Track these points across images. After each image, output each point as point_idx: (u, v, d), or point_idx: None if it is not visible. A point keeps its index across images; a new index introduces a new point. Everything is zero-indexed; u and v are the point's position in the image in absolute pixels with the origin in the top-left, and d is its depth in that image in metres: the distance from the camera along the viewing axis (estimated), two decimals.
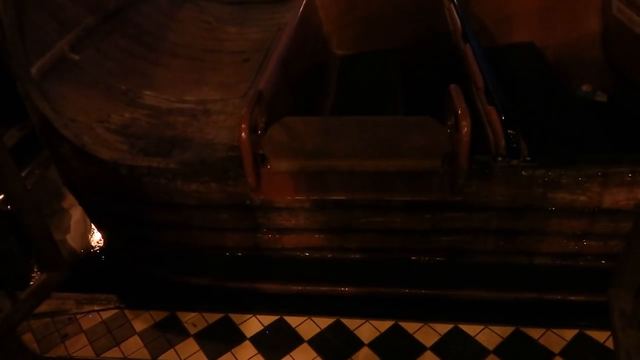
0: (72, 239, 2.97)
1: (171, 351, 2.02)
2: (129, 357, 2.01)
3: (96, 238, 2.83)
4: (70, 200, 2.87)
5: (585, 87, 3.64)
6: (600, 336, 1.91)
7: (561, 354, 1.88)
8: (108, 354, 2.03)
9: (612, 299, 1.30)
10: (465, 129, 1.80)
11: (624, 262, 1.27)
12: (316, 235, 2.20)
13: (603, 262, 2.06)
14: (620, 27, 3.31)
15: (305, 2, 3.55)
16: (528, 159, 1.94)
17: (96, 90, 2.69)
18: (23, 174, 3.47)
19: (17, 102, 2.57)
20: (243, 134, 1.94)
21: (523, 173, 1.93)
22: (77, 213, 3.01)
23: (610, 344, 1.85)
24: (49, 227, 1.59)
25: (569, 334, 1.94)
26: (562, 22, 3.66)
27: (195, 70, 3.17)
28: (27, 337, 2.06)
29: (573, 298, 2.13)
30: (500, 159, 1.96)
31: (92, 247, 2.86)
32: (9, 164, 1.53)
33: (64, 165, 2.55)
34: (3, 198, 3.02)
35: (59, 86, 2.53)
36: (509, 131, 1.96)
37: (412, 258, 2.21)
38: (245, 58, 3.27)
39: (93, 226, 2.92)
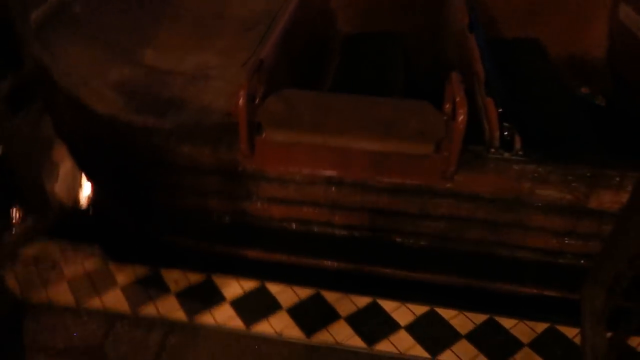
0: (60, 190, 2.95)
1: (151, 305, 2.04)
2: (109, 307, 2.03)
3: (85, 191, 2.82)
4: (60, 152, 2.84)
5: (584, 90, 3.66)
6: (570, 332, 1.96)
7: (530, 344, 1.93)
8: (88, 304, 2.05)
9: (585, 297, 1.34)
10: (461, 117, 1.81)
11: (599, 262, 1.30)
12: (304, 209, 2.22)
13: (582, 261, 2.11)
14: (626, 32, 3.32)
15: None
16: (520, 153, 1.96)
17: (96, 43, 2.66)
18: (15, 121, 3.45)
19: (13, 50, 2.53)
20: (241, 100, 1.94)
21: (514, 167, 1.95)
22: (66, 165, 2.98)
23: (578, 340, 1.90)
24: (38, 171, 1.59)
25: (541, 327, 1.99)
26: (569, 23, 3.65)
27: (197, 34, 3.14)
28: (10, 280, 2.06)
29: (548, 293, 2.18)
30: (493, 150, 1.98)
31: (80, 200, 2.86)
32: (2, 108, 1.52)
33: (58, 116, 2.53)
34: None
35: (58, 36, 2.50)
36: (504, 124, 1.98)
37: (397, 240, 2.24)
38: (248, 27, 3.23)
39: (82, 180, 2.91)
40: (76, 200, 2.91)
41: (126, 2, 3.01)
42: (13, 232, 1.51)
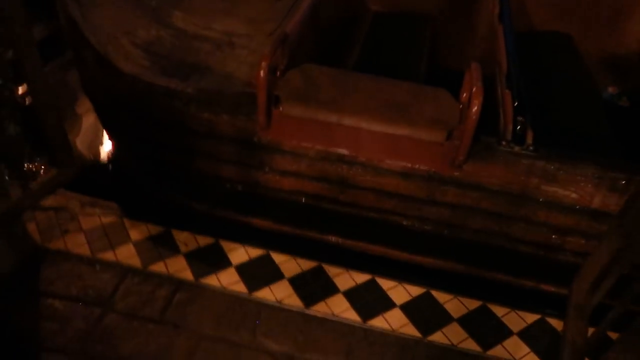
0: (81, 144, 3.06)
1: (161, 263, 2.15)
2: (122, 261, 2.14)
3: (105, 147, 2.92)
4: (84, 106, 2.94)
5: (611, 89, 3.61)
6: (559, 325, 2.01)
7: (519, 333, 2.00)
8: (102, 255, 2.16)
9: (572, 292, 1.39)
10: (475, 108, 1.84)
11: (588, 261, 1.35)
12: (314, 183, 2.27)
13: (581, 260, 2.14)
14: None
15: None
16: (531, 148, 1.98)
17: (127, 1, 2.71)
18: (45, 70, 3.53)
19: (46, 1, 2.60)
20: (262, 72, 1.98)
21: (523, 161, 1.98)
22: (89, 119, 3.08)
23: None
24: (63, 123, 1.67)
25: (531, 317, 2.05)
26: (604, 19, 3.57)
27: (227, 0, 3.16)
28: (31, 227, 2.18)
29: (544, 287, 2.22)
30: (504, 143, 2.00)
31: (100, 156, 2.96)
32: (34, 57, 1.58)
33: (85, 70, 2.60)
34: (23, 91, 3.11)
35: None
36: (518, 118, 2.00)
37: (401, 222, 2.29)
38: None
39: (104, 135, 3.01)
40: (96, 155, 3.01)
41: None
42: (37, 182, 1.59)
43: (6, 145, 1.72)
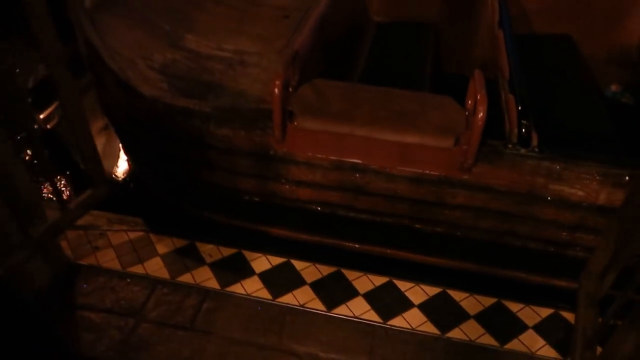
0: (105, 163, 3.19)
1: (188, 274, 2.26)
2: (151, 274, 2.26)
3: (120, 166, 3.05)
4: (97, 127, 3.05)
5: (614, 87, 3.67)
6: (573, 318, 2.08)
7: (534, 327, 2.08)
8: (132, 269, 2.28)
9: (582, 281, 1.48)
10: (481, 114, 1.93)
11: (595, 253, 1.43)
12: (329, 192, 2.37)
13: (589, 254, 2.21)
14: None
15: None
16: (536, 150, 2.07)
17: (142, 27, 2.84)
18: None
19: (62, 26, 2.73)
20: (276, 90, 2.09)
21: (529, 162, 2.06)
22: (101, 140, 3.20)
23: None
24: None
25: (545, 311, 2.13)
26: (602, 19, 3.64)
27: (236, 19, 3.28)
28: (63, 245, 2.31)
29: (556, 282, 2.30)
30: (510, 146, 2.09)
31: (116, 174, 3.09)
32: (66, 76, 1.69)
33: (105, 94, 2.73)
34: (46, 116, 3.24)
35: (108, 19, 2.68)
36: (522, 121, 2.09)
37: (414, 225, 2.38)
38: (285, 14, 3.37)
39: (118, 154, 3.13)
40: (111, 174, 3.14)
41: None
42: (75, 202, 1.71)
43: (41, 167, 1.84)
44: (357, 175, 2.28)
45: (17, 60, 3.63)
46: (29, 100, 3.22)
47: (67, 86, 1.68)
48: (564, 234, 2.20)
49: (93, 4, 2.63)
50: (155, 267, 2.28)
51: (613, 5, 3.58)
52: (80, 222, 2.34)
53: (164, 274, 2.25)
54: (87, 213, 2.28)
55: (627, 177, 1.97)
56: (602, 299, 1.38)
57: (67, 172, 2.96)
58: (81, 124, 1.73)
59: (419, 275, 2.27)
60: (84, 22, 2.55)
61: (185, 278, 2.24)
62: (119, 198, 2.78)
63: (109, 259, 2.30)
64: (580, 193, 2.07)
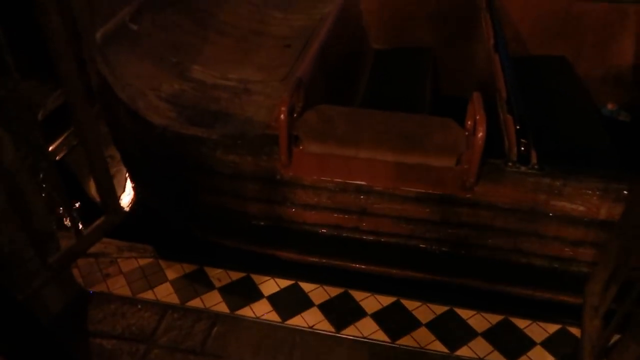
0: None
1: (197, 299, 2.28)
2: (161, 299, 2.28)
3: (127, 195, 3.10)
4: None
5: (610, 106, 3.74)
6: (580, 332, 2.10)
7: (542, 343, 2.09)
8: (143, 295, 2.31)
9: (587, 295, 1.51)
10: (480, 134, 1.99)
11: (597, 266, 1.47)
12: (335, 215, 2.42)
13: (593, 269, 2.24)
14: None
15: None
16: (536, 167, 2.12)
17: (150, 59, 2.94)
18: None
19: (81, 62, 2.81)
20: (282, 116, 2.16)
21: (530, 179, 2.11)
22: (118, 170, 3.28)
23: None
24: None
25: (553, 327, 2.14)
26: (596, 40, 3.74)
27: (240, 49, 3.39)
28: (75, 272, 2.34)
29: (562, 298, 2.32)
30: (510, 164, 2.15)
31: (125, 204, 3.14)
32: (86, 107, 1.75)
33: (116, 125, 2.82)
34: (54, 148, 3.31)
35: (118, 52, 2.78)
36: (521, 140, 2.15)
37: (420, 245, 2.42)
38: (287, 43, 3.48)
39: (125, 183, 3.19)
40: (128, 205, 3.19)
41: (177, 19, 3.30)
42: (89, 229, 1.76)
43: (55, 194, 1.90)
44: (362, 196, 2.33)
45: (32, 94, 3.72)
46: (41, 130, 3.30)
47: (86, 115, 1.75)
48: (568, 249, 2.23)
49: (104, 38, 2.73)
50: (166, 293, 2.31)
51: (604, 27, 3.68)
52: (90, 250, 2.38)
53: (174, 299, 2.28)
54: (99, 241, 2.32)
55: (626, 192, 2.02)
56: (606, 313, 1.41)
57: (76, 203, 3.02)
58: (97, 152, 1.80)
59: (426, 294, 2.30)
60: (96, 56, 2.65)
61: (195, 303, 2.27)
62: (128, 226, 2.83)
63: (119, 286, 2.33)
64: (581, 208, 2.11)
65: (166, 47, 3.08)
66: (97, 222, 1.83)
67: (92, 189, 3.23)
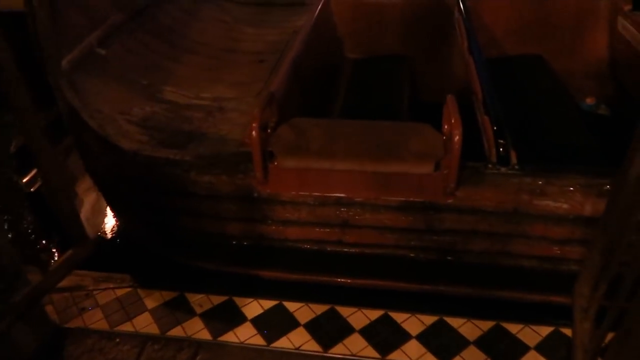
0: (91, 220, 3.16)
1: (179, 327, 2.20)
2: (140, 331, 2.19)
3: (108, 223, 3.02)
4: (83, 186, 3.06)
5: (589, 100, 3.73)
6: None
7: (536, 347, 2.02)
8: (121, 327, 2.21)
9: (575, 296, 1.45)
10: (457, 138, 1.95)
11: (585, 265, 1.41)
12: (317, 229, 2.36)
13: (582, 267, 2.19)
14: (625, 44, 3.41)
15: (321, 6, 3.71)
16: (516, 167, 2.08)
17: (120, 83, 2.88)
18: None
19: (42, 91, 2.76)
20: (254, 132, 2.11)
21: (511, 180, 2.07)
22: (89, 199, 3.19)
23: None
24: (74, 202, 1.77)
25: (545, 330, 2.08)
26: (570, 37, 3.76)
27: (212, 68, 3.35)
28: (49, 309, 2.25)
29: (553, 299, 2.26)
30: (490, 166, 2.10)
31: (104, 231, 3.06)
32: (44, 143, 1.70)
33: (87, 153, 2.74)
34: (28, 180, 3.23)
35: (86, 79, 2.72)
36: (499, 141, 2.11)
37: (405, 254, 2.36)
38: (260, 59, 3.44)
39: (106, 212, 3.11)
40: (100, 231, 3.11)
41: (148, 41, 3.25)
42: (55, 264, 1.68)
43: (20, 231, 1.82)
44: (343, 209, 2.28)
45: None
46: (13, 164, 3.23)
47: (45, 152, 1.69)
48: (555, 248, 2.19)
49: (70, 65, 2.67)
50: (145, 323, 2.22)
51: (577, 23, 3.70)
52: (65, 283, 2.30)
53: (154, 329, 2.19)
54: (72, 273, 2.24)
55: (608, 186, 1.98)
56: (597, 313, 1.36)
57: (54, 233, 2.93)
58: (60, 186, 1.73)
59: (414, 304, 2.23)
60: (61, 84, 2.58)
61: (176, 331, 2.18)
62: (107, 254, 2.75)
63: (96, 320, 2.24)
64: (565, 206, 2.07)
65: (136, 69, 3.02)
66: (64, 256, 1.75)
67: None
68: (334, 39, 4.04)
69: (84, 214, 3.23)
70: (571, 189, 2.03)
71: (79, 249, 1.74)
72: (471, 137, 2.15)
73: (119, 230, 2.97)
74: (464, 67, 2.99)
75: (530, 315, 2.16)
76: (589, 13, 3.65)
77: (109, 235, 3.09)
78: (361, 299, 2.28)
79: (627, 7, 3.40)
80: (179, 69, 3.22)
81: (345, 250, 2.37)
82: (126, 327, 2.21)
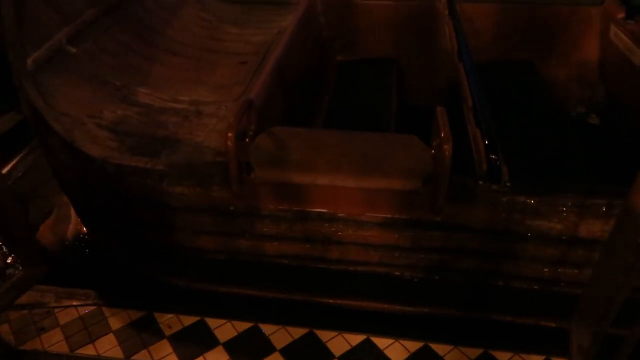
0: (57, 227, 3.00)
1: (144, 352, 2.04)
2: (102, 354, 2.04)
3: (76, 231, 2.85)
4: (56, 190, 2.90)
5: (579, 109, 3.68)
6: None
7: None
8: (82, 351, 2.05)
9: (573, 334, 1.33)
10: (447, 153, 1.82)
11: (585, 300, 1.29)
12: (297, 245, 2.22)
13: (577, 290, 2.09)
14: (616, 52, 3.34)
15: (307, 6, 3.56)
16: (508, 184, 1.96)
17: (91, 84, 2.71)
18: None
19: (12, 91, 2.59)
20: (229, 142, 1.96)
21: (502, 198, 1.95)
22: (62, 202, 3.03)
23: None
24: (28, 224, 1.62)
25: (537, 359, 1.97)
26: (561, 44, 3.68)
27: (192, 69, 3.19)
28: (4, 329, 2.09)
29: (544, 323, 2.16)
30: (481, 183, 1.98)
31: (77, 238, 2.89)
32: None
33: (53, 158, 2.57)
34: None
35: (53, 79, 2.55)
36: (491, 156, 1.99)
37: (390, 272, 2.23)
38: (243, 60, 3.29)
39: (75, 218, 2.94)
40: (73, 237, 2.94)
41: (124, 39, 3.08)
42: (5, 285, 1.53)
43: None
44: (325, 224, 2.15)
45: None
46: None
47: None
48: (547, 270, 2.08)
49: (37, 64, 2.50)
50: (108, 346, 2.06)
51: (568, 30, 3.62)
52: (24, 300, 2.14)
53: (117, 353, 2.03)
54: (32, 289, 2.07)
55: (604, 208, 1.87)
56: (602, 341, 1.23)
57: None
58: (9, 205, 1.57)
59: (398, 329, 2.11)
60: (26, 84, 2.41)
61: (142, 356, 2.03)
62: (71, 267, 2.59)
63: (55, 341, 2.08)
64: (558, 226, 1.97)
65: (109, 69, 2.86)
66: (14, 278, 1.60)
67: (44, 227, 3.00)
68: (320, 40, 3.90)
69: (58, 216, 3.07)
70: (565, 209, 1.92)
71: (32, 270, 1.59)
72: (460, 145, 2.03)
73: (86, 240, 2.80)
74: (454, 71, 2.88)
75: (520, 340, 2.05)
76: (581, 20, 3.57)
77: (80, 244, 2.92)
78: (342, 322, 2.15)
79: (620, 15, 3.31)
80: (156, 70, 3.06)
81: (328, 267, 2.24)
82: (88, 350, 2.06)
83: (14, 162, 3.46)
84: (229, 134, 1.97)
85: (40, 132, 2.50)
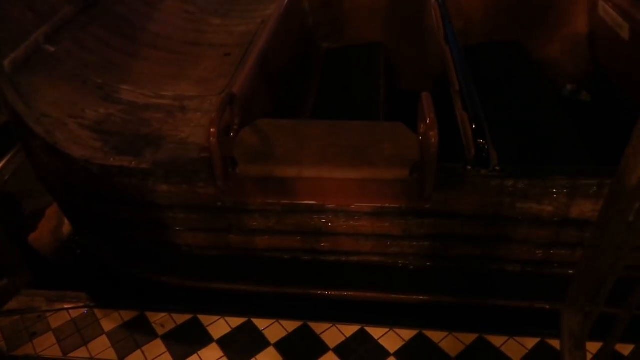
0: (47, 229, 2.97)
1: (138, 352, 2.03)
2: (95, 357, 2.02)
3: (69, 235, 2.82)
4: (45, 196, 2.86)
5: (569, 86, 3.65)
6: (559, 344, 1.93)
7: None
8: (75, 354, 2.04)
9: (563, 319, 1.32)
10: (433, 140, 1.79)
11: (575, 284, 1.28)
12: (288, 238, 2.20)
13: (570, 271, 2.08)
14: (606, 28, 3.30)
15: None
16: (497, 168, 1.94)
17: (71, 83, 2.65)
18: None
19: None
20: (212, 138, 1.93)
21: (491, 183, 1.93)
22: (52, 204, 3.00)
23: None
24: (7, 233, 1.60)
25: (531, 342, 1.97)
26: (549, 21, 3.65)
27: (174, 63, 3.12)
28: None
29: (538, 305, 2.15)
30: (469, 168, 1.96)
31: (66, 240, 2.86)
32: None
33: (36, 160, 2.53)
34: None
35: (32, 79, 2.49)
36: (479, 140, 1.96)
37: (383, 261, 2.22)
38: (226, 52, 3.23)
39: (66, 223, 2.91)
40: (63, 239, 2.91)
41: (104, 36, 3.01)
42: None
43: None
44: (315, 216, 2.13)
45: None
46: None
47: None
48: (540, 252, 2.07)
49: (14, 64, 2.44)
50: (102, 348, 2.05)
51: (555, 5, 3.59)
52: (14, 305, 2.12)
53: (110, 355, 2.02)
54: (20, 295, 2.05)
55: (595, 188, 1.85)
56: (594, 321, 1.22)
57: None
58: None
59: (392, 317, 2.09)
60: (4, 86, 2.36)
61: (135, 357, 2.01)
62: (62, 269, 2.56)
63: (48, 346, 2.06)
64: (549, 208, 1.95)
65: (90, 67, 2.79)
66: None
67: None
68: (306, 27, 3.85)
69: (48, 218, 3.03)
70: (555, 190, 1.90)
71: (14, 279, 1.57)
72: (448, 130, 2.00)
73: (78, 243, 2.77)
74: (441, 54, 2.84)
75: (515, 323, 2.05)
76: None
77: (70, 246, 2.89)
78: (336, 313, 2.13)
79: None
80: (138, 66, 2.99)
81: (320, 258, 2.23)
82: (81, 353, 2.04)
83: (3, 162, 3.42)
84: (212, 130, 1.94)
85: (21, 134, 2.46)
